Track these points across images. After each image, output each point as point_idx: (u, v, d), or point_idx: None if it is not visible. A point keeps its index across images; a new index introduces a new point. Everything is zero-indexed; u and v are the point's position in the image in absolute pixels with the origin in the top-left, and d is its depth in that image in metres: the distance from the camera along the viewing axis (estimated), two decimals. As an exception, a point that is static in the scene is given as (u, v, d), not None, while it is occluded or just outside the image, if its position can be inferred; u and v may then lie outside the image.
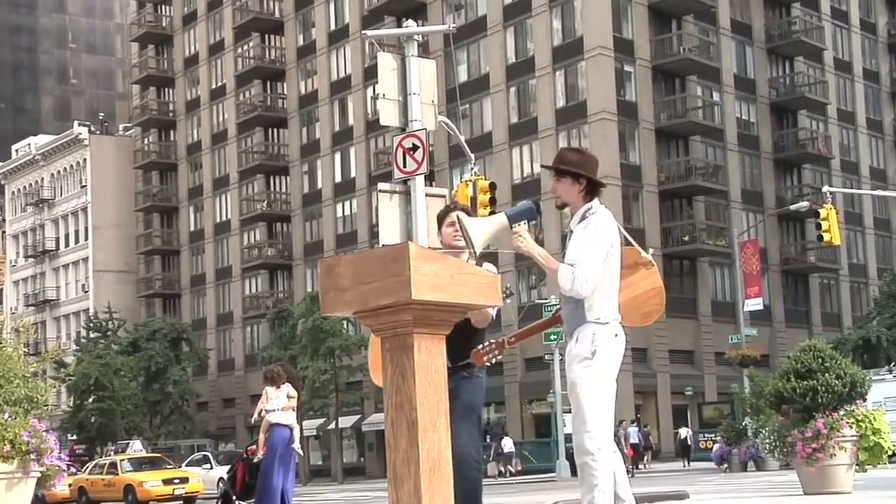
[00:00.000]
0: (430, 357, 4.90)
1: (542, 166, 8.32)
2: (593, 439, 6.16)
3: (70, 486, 35.29)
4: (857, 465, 13.79)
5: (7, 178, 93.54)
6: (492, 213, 19.60)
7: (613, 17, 57.33)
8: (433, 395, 4.87)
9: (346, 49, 68.84)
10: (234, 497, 14.77)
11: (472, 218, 6.91)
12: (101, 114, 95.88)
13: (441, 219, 7.15)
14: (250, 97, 74.68)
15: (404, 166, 15.75)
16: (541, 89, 58.92)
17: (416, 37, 16.76)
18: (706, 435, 47.32)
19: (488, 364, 6.83)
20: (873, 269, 68.82)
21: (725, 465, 34.04)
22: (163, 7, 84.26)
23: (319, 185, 70.39)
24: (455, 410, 5.19)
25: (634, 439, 44.47)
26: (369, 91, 63.18)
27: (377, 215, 17.86)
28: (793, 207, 46.82)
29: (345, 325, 57.21)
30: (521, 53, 60.32)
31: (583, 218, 6.34)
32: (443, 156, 60.29)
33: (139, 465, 37.61)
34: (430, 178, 50.14)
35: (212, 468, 40.81)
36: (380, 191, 16.25)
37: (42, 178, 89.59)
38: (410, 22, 18.73)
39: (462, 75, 60.59)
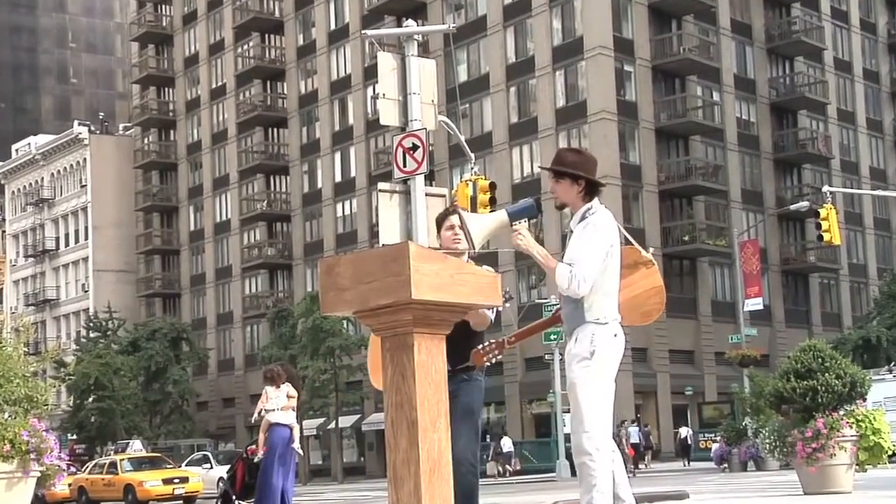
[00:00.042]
0: (431, 357, 4.90)
1: (541, 168, 8.33)
2: (591, 439, 6.16)
3: (70, 485, 35.28)
4: (857, 464, 13.80)
5: (7, 178, 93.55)
6: (492, 211, 19.59)
7: (613, 17, 57.33)
8: (433, 395, 4.87)
9: (346, 49, 68.84)
10: (234, 497, 14.77)
11: (473, 214, 6.92)
12: (101, 113, 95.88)
13: (440, 222, 7.14)
14: (250, 97, 74.68)
15: (404, 166, 15.74)
16: (541, 89, 58.93)
17: (416, 36, 16.76)
18: (706, 435, 47.31)
19: (488, 364, 6.83)
20: (873, 269, 68.82)
21: (725, 465, 34.03)
22: (163, 7, 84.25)
23: (319, 185, 70.39)
24: (454, 413, 5.18)
25: (635, 439, 44.47)
26: (369, 91, 63.19)
27: (377, 215, 17.86)
28: (793, 207, 46.83)
29: (345, 325, 57.22)
30: (521, 53, 60.33)
31: (583, 218, 6.34)
32: (443, 155, 60.29)
33: (139, 464, 37.60)
34: (430, 178, 50.13)
35: (212, 468, 40.81)
36: (380, 190, 16.24)
37: (42, 178, 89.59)
38: (410, 22, 18.72)
39: (462, 75, 60.58)
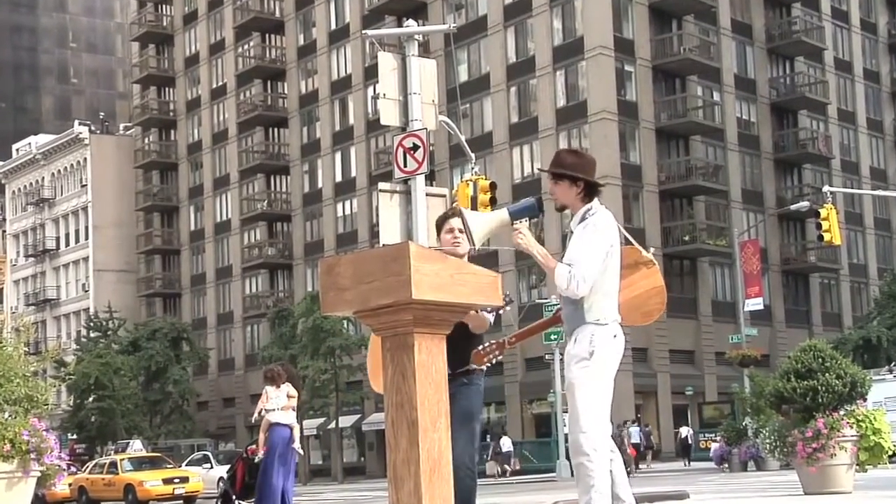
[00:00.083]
0: (431, 357, 4.90)
1: (540, 170, 8.34)
2: (589, 440, 6.16)
3: (70, 485, 35.29)
4: (857, 465, 13.79)
5: (7, 178, 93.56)
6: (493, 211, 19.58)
7: (614, 17, 57.33)
8: (433, 395, 4.87)
9: (346, 49, 68.84)
10: (234, 496, 14.77)
11: (473, 212, 6.91)
12: (102, 113, 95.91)
13: (439, 225, 7.13)
14: (251, 97, 74.68)
15: (405, 166, 15.74)
16: (541, 89, 58.93)
17: (416, 36, 16.75)
18: (706, 435, 47.31)
19: (489, 364, 6.82)
20: (873, 269, 68.81)
21: (726, 465, 34.02)
22: (163, 6, 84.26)
23: (320, 185, 70.39)
24: (452, 417, 5.18)
25: (636, 439, 44.46)
26: (370, 91, 63.19)
27: (377, 215, 17.86)
28: (793, 207, 46.82)
29: (345, 325, 57.22)
30: (522, 53, 60.32)
31: (582, 219, 6.34)
32: (443, 155, 60.29)
33: (139, 464, 37.62)
34: (430, 178, 50.14)
35: (212, 468, 40.83)
36: (380, 190, 16.24)
37: (42, 178, 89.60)
38: (411, 21, 18.73)
39: (462, 75, 60.59)
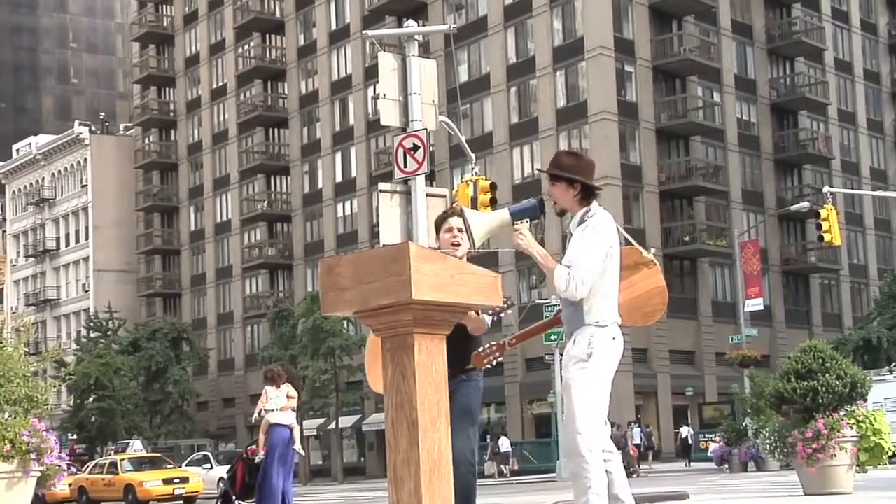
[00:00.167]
0: (431, 357, 4.90)
1: (539, 170, 8.36)
2: (585, 441, 6.16)
3: (70, 485, 35.31)
4: (857, 465, 13.79)
5: (8, 178, 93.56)
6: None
7: (614, 18, 57.33)
8: (433, 395, 4.87)
9: (346, 49, 68.85)
10: (234, 497, 14.77)
11: (474, 211, 6.91)
12: (102, 113, 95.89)
13: (438, 224, 7.13)
14: (251, 97, 74.69)
15: (405, 166, 15.74)
16: (541, 89, 58.92)
17: (416, 37, 16.75)
18: (707, 435, 47.32)
19: (489, 366, 6.82)
20: (874, 269, 68.81)
21: (726, 466, 34.02)
22: (164, 7, 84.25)
23: (320, 185, 70.39)
24: (452, 413, 5.18)
25: (637, 440, 44.46)
26: (370, 91, 63.19)
27: (378, 215, 17.85)
28: (793, 208, 46.80)
29: (345, 325, 57.21)
30: (522, 53, 60.32)
31: (581, 221, 6.34)
32: (443, 156, 60.29)
33: (139, 464, 37.62)
34: (430, 178, 50.14)
35: (212, 468, 40.84)
36: (380, 191, 16.24)
37: (43, 178, 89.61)
38: (411, 22, 18.73)
39: (463, 75, 60.59)
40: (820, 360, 13.93)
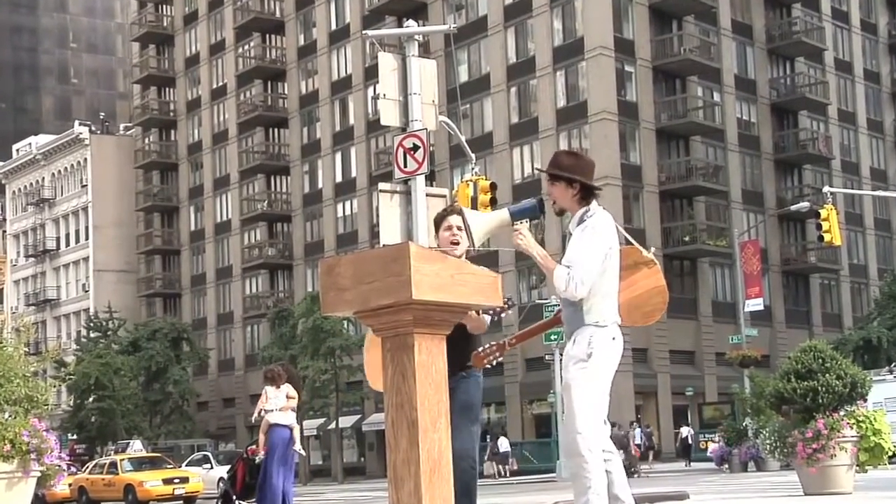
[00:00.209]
0: (431, 357, 4.90)
1: (538, 170, 8.36)
2: (585, 440, 6.16)
3: (70, 485, 35.31)
4: (857, 465, 13.79)
5: (8, 178, 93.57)
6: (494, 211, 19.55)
7: (614, 18, 57.32)
8: (433, 396, 4.87)
9: (346, 49, 68.85)
10: (235, 497, 14.77)
11: (474, 211, 6.91)
12: (102, 113, 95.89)
13: (438, 222, 7.12)
14: (251, 97, 74.69)
15: (405, 166, 15.73)
16: (541, 89, 58.92)
17: (416, 37, 16.74)
18: (707, 435, 47.33)
19: (489, 366, 6.82)
20: (874, 269, 68.81)
21: (726, 466, 34.02)
22: (164, 7, 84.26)
23: (320, 185, 70.39)
24: (453, 409, 5.18)
25: (637, 440, 44.45)
26: (370, 91, 63.19)
27: (378, 215, 17.85)
28: (793, 208, 46.80)
29: (345, 325, 57.21)
30: (522, 53, 60.32)
31: (581, 221, 6.34)
32: (443, 156, 60.29)
33: (139, 464, 37.63)
34: (430, 178, 50.14)
35: (212, 468, 40.85)
36: (380, 191, 16.24)
37: (43, 178, 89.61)
38: (411, 22, 18.72)
39: (463, 75, 60.58)
40: (820, 361, 13.93)
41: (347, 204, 68.28)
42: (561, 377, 6.59)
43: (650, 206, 57.59)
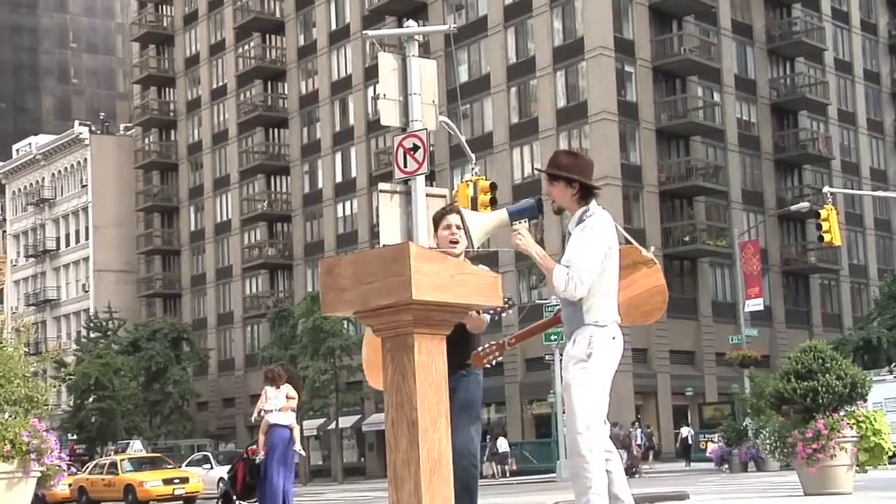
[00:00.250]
0: (431, 357, 4.90)
1: (537, 169, 8.36)
2: (585, 440, 6.16)
3: (70, 485, 35.31)
4: (857, 465, 13.79)
5: (8, 178, 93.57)
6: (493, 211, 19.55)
7: (614, 18, 57.33)
8: (433, 396, 4.87)
9: (346, 49, 68.85)
10: (235, 497, 14.77)
11: (473, 212, 6.91)
12: (102, 113, 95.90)
13: (437, 221, 7.12)
14: (251, 97, 74.69)
15: (405, 166, 15.73)
16: (541, 89, 58.92)
17: (416, 37, 16.74)
18: (707, 435, 47.33)
19: (488, 365, 6.82)
20: (874, 269, 68.81)
21: (726, 466, 34.02)
22: (164, 7, 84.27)
23: (320, 185, 70.40)
24: (453, 407, 5.19)
25: (638, 440, 44.46)
26: (370, 91, 63.19)
27: (378, 215, 17.85)
28: (793, 208, 46.79)
29: (345, 325, 57.21)
30: (522, 53, 60.32)
31: (580, 220, 6.34)
32: (443, 156, 60.29)
33: (139, 464, 37.63)
34: (430, 179, 50.15)
35: (212, 468, 40.86)
36: (380, 191, 16.24)
37: (43, 178, 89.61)
38: (411, 22, 18.73)
39: (463, 75, 60.58)
40: (820, 361, 13.93)
41: (347, 204, 68.28)
42: (561, 377, 6.59)
43: (650, 206, 57.59)
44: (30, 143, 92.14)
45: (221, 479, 35.46)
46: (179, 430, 67.55)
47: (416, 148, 15.65)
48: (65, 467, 11.14)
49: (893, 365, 36.21)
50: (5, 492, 10.40)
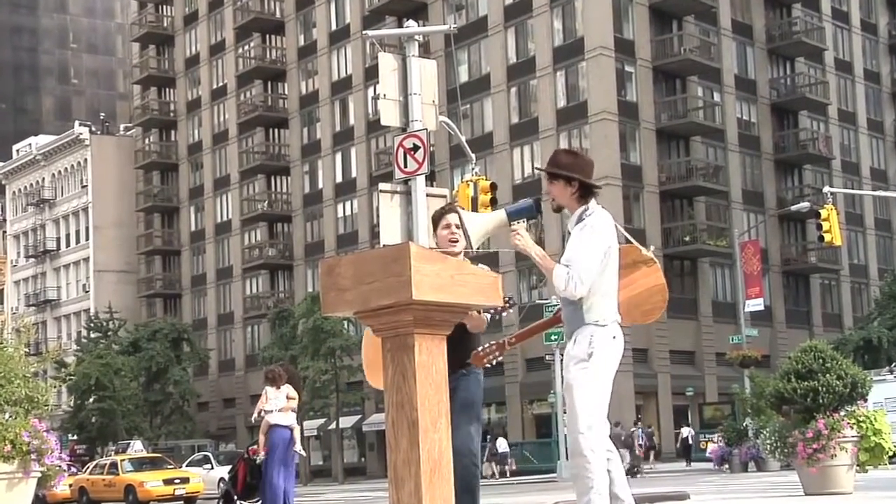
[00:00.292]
0: (431, 357, 4.90)
1: (537, 168, 8.35)
2: (587, 440, 6.16)
3: (71, 486, 35.33)
4: (857, 465, 13.79)
5: (8, 179, 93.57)
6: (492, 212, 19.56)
7: (614, 18, 57.33)
8: (434, 396, 4.87)
9: (346, 49, 68.85)
10: (236, 497, 14.78)
11: (471, 213, 6.91)
12: (102, 114, 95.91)
13: (436, 221, 7.11)
14: (251, 97, 74.69)
15: (405, 166, 15.74)
16: (541, 89, 58.93)
17: (416, 37, 16.75)
18: (707, 435, 47.33)
19: (488, 365, 6.82)
20: (874, 269, 68.80)
21: (726, 466, 34.01)
22: (164, 7, 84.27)
23: (320, 186, 70.40)
24: (453, 407, 5.19)
25: (639, 440, 44.45)
26: (370, 91, 63.19)
27: (378, 215, 17.85)
28: (794, 208, 46.80)
29: (345, 326, 57.20)
30: (522, 54, 60.32)
31: (579, 220, 6.34)
32: (443, 156, 60.29)
33: (140, 465, 37.65)
34: (430, 179, 50.12)
35: (212, 468, 40.87)
36: (381, 191, 16.24)
37: (43, 178, 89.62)
38: (411, 22, 18.73)
39: (463, 75, 60.58)
40: (820, 361, 13.92)
41: (348, 204, 68.29)
42: (562, 377, 6.59)
43: (650, 206, 57.59)
44: (30, 144, 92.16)
45: (222, 479, 35.50)
46: (180, 430, 67.55)
47: (416, 148, 15.65)
48: (65, 468, 11.14)
49: (894, 365, 36.20)
50: (6, 492, 10.40)
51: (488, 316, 6.75)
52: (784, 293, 63.56)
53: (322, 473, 64.57)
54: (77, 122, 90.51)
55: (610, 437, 6.42)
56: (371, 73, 56.87)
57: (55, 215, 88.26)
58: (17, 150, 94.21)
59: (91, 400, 65.65)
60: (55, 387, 59.07)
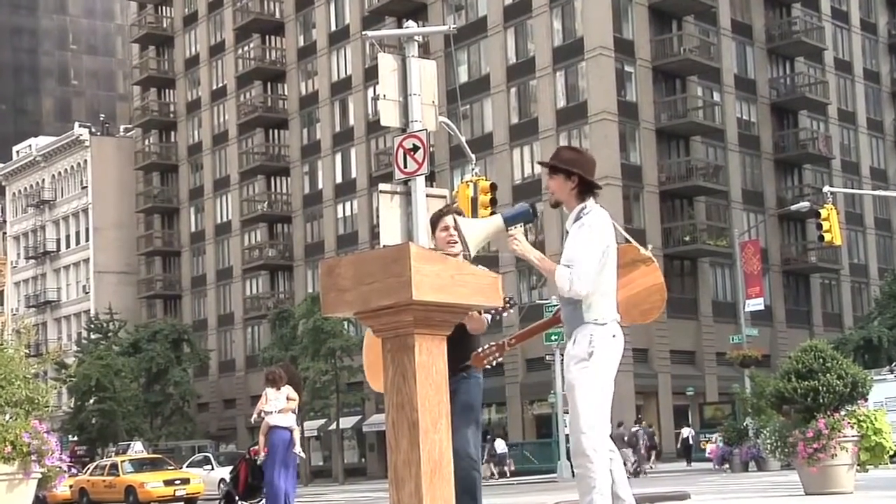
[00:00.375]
0: (431, 358, 4.90)
1: (539, 163, 8.36)
2: (589, 440, 6.16)
3: (71, 487, 35.33)
4: (858, 465, 13.79)
5: (8, 180, 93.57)
6: (492, 213, 19.58)
7: (614, 18, 57.32)
8: (434, 396, 4.87)
9: (346, 50, 68.85)
10: (237, 497, 14.79)
11: (468, 219, 6.90)
12: (102, 115, 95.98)
13: (434, 223, 7.12)
14: (251, 98, 74.69)
15: (405, 167, 15.74)
16: (541, 90, 58.93)
17: (416, 37, 16.74)
18: (707, 435, 47.33)
19: (488, 366, 6.81)
20: (874, 269, 68.81)
21: (727, 466, 34.01)
22: (163, 8, 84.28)
23: (320, 186, 70.40)
24: (453, 410, 5.18)
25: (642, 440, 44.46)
26: (370, 92, 63.20)
27: (378, 216, 17.85)
28: (793, 208, 46.80)
29: (346, 326, 57.21)
30: (522, 54, 60.32)
31: (577, 218, 6.33)
32: (443, 156, 60.29)
33: (140, 466, 37.66)
34: (430, 179, 50.13)
35: (213, 469, 40.90)
36: (380, 191, 16.24)
37: (43, 180, 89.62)
38: (411, 23, 18.73)
39: (462, 76, 60.58)
40: (821, 360, 13.92)
41: (347, 205, 68.29)
42: (562, 377, 6.60)
43: (650, 206, 57.59)
44: (30, 145, 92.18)
45: (222, 479, 35.54)
46: (180, 431, 67.56)
47: (416, 148, 15.65)
48: (66, 469, 11.14)
49: (894, 364, 36.19)
50: (6, 493, 10.40)
51: (489, 317, 6.75)
52: (784, 293, 63.57)
53: (322, 474, 64.58)
54: (77, 124, 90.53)
55: (611, 436, 6.41)
56: (371, 74, 56.88)
57: (55, 216, 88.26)
58: (17, 152, 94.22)
59: (91, 401, 65.66)
60: (55, 388, 59.08)
